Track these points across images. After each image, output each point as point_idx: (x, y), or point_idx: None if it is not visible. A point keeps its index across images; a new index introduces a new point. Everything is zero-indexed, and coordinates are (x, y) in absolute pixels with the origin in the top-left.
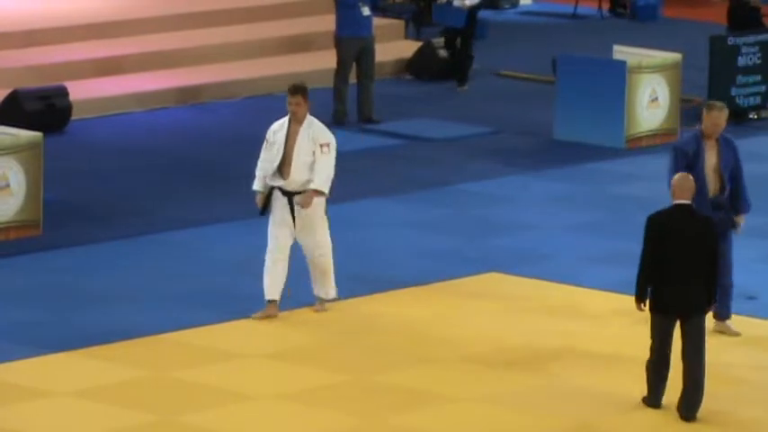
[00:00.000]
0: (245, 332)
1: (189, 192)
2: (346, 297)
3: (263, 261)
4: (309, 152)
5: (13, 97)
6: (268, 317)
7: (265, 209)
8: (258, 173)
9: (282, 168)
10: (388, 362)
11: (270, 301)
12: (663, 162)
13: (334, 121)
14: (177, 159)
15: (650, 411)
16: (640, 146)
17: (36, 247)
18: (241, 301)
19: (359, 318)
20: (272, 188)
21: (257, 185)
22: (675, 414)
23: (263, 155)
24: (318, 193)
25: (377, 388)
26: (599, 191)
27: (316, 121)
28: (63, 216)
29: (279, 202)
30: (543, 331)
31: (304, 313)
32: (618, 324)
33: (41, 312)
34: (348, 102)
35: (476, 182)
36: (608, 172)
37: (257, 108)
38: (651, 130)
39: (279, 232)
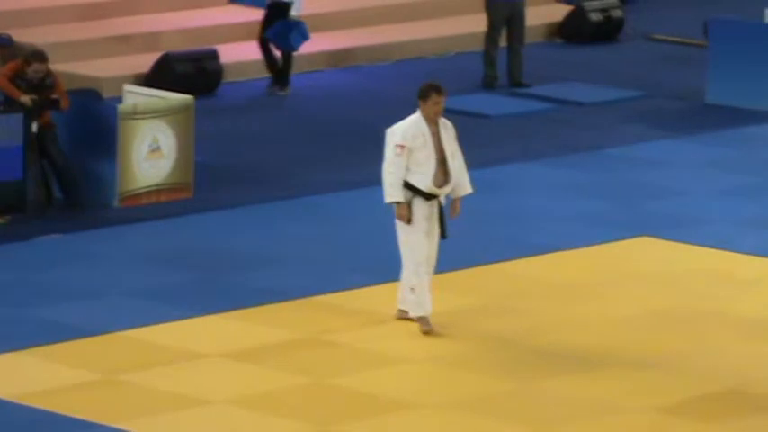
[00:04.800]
0: (389, 295)
1: (338, 155)
2: (497, 261)
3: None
4: (452, 152)
5: (165, 60)
6: (431, 330)
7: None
8: (395, 182)
9: (437, 174)
10: (538, 328)
11: (425, 317)
12: None
13: (485, 85)
14: (327, 122)
15: None
16: None
17: (187, 209)
18: (388, 264)
19: (510, 282)
20: (413, 196)
21: (399, 196)
22: None
23: (397, 161)
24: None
25: (528, 360)
26: (752, 155)
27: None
28: (213, 178)
29: (427, 210)
30: (693, 295)
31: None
32: None
33: (192, 274)
34: (498, 66)
35: (628, 146)
36: (761, 136)
37: (408, 71)
38: None
39: (422, 242)
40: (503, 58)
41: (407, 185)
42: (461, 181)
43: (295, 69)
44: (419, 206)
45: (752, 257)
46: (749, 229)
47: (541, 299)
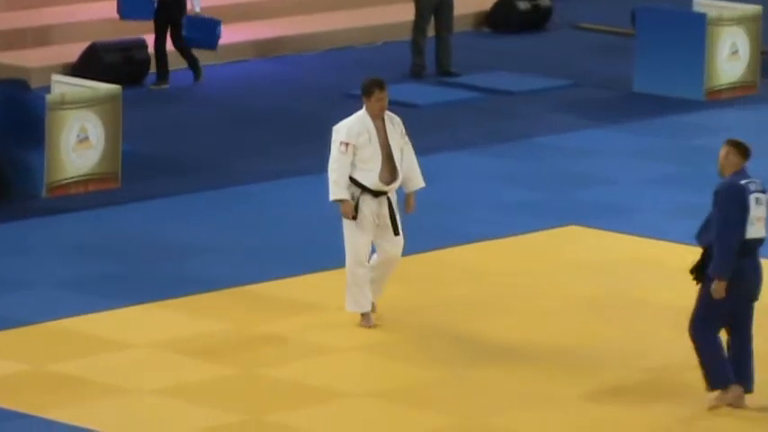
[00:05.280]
0: (321, 285)
1: (267, 145)
2: (427, 250)
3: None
4: (399, 147)
5: (92, 50)
6: (374, 325)
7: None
8: (339, 180)
9: (384, 171)
10: (467, 317)
11: (366, 313)
12: (742, 114)
13: (413, 74)
14: (255, 112)
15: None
16: (720, 98)
17: (114, 199)
18: (320, 253)
19: (439, 271)
20: (361, 193)
21: (342, 194)
22: None
23: (341, 159)
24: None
25: (458, 348)
26: (679, 144)
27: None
28: (142, 169)
29: (375, 207)
30: (621, 284)
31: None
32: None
33: (120, 265)
34: (426, 55)
35: (555, 135)
36: (688, 125)
37: (336, 61)
38: (731, 83)
39: (365, 240)
40: (431, 46)
41: (354, 182)
42: (413, 175)
43: (222, 59)
44: (367, 203)
45: (679, 245)
46: (677, 218)
47: (470, 288)
